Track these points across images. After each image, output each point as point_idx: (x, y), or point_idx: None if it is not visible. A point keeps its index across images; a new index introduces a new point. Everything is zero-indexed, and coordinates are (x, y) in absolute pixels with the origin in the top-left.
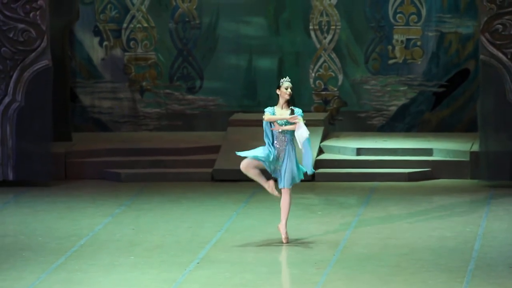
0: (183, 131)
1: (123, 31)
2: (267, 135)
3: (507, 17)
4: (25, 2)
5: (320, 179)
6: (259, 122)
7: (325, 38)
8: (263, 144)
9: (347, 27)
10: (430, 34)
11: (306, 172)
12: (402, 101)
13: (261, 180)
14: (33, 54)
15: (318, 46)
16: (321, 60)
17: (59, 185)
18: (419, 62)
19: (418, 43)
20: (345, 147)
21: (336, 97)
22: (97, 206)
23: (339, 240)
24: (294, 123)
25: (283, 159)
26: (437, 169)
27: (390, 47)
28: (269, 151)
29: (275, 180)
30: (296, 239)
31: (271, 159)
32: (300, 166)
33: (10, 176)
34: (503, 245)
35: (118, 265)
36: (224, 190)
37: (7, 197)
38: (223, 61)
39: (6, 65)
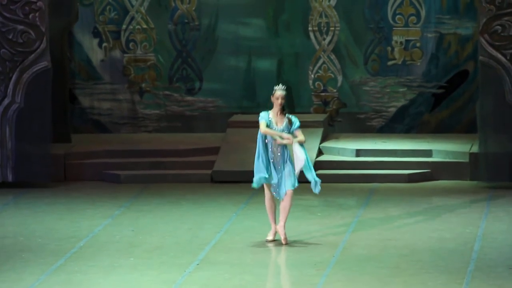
0: (183, 132)
1: (122, 33)
2: (261, 149)
3: (506, 18)
4: (24, 3)
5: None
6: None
7: (324, 39)
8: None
9: (346, 28)
10: (429, 35)
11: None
12: (401, 102)
13: (272, 218)
14: (33, 55)
15: (317, 47)
16: (320, 61)
17: (58, 186)
18: (419, 63)
19: (417, 44)
20: (345, 149)
21: (335, 99)
22: (96, 207)
23: (338, 242)
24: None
25: (281, 165)
26: (437, 170)
27: (389, 48)
28: (267, 169)
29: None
30: (296, 241)
31: (272, 178)
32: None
33: (10, 178)
34: (502, 246)
35: (117, 267)
36: (223, 191)
37: (6, 199)
38: (223, 62)
39: (5, 66)
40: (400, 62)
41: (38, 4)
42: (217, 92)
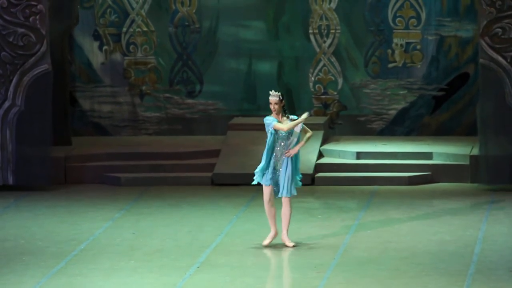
0: (183, 135)
1: (122, 35)
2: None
3: (506, 20)
4: (25, 6)
5: (320, 183)
6: (259, 126)
7: (324, 42)
8: (262, 148)
9: (346, 31)
10: (429, 37)
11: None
12: (401, 105)
13: (272, 223)
14: (33, 58)
15: (317, 50)
16: (321, 64)
17: (59, 189)
18: (419, 66)
19: (418, 46)
20: (345, 151)
21: (335, 101)
22: (97, 210)
23: (339, 244)
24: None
25: (281, 168)
26: (437, 173)
27: (389, 51)
28: (269, 170)
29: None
30: (296, 243)
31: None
32: (297, 176)
33: (10, 180)
34: (503, 249)
35: (118, 269)
36: (224, 194)
37: (7, 202)
38: (223, 65)
39: (6, 69)
40: (400, 65)
41: (38, 7)
42: (218, 95)
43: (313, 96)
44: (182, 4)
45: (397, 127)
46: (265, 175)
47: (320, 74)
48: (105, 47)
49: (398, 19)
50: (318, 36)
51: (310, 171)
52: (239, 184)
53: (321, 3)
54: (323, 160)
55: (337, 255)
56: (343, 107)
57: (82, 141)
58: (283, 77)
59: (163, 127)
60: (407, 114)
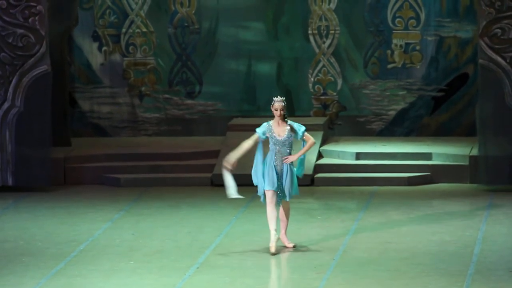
0: (183, 136)
1: (122, 36)
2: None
3: (506, 21)
4: (24, 7)
5: (320, 184)
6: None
7: (324, 42)
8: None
9: (346, 32)
10: (429, 38)
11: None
12: (401, 106)
13: (272, 225)
14: (32, 59)
15: (317, 50)
16: (320, 65)
17: (58, 190)
18: (418, 67)
19: (417, 47)
20: (345, 152)
21: (335, 102)
22: (96, 211)
23: (338, 245)
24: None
25: (283, 174)
26: (437, 174)
27: (389, 52)
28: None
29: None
30: (296, 244)
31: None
32: (296, 180)
33: (10, 182)
34: (503, 249)
35: (118, 270)
36: (223, 195)
37: (6, 203)
38: (223, 66)
39: (5, 70)
40: (400, 65)
41: (38, 8)
42: (217, 96)
43: (312, 96)
44: (182, 5)
45: (396, 128)
46: (267, 180)
47: (320, 74)
48: (104, 48)
49: (398, 19)
50: (317, 37)
51: (310, 172)
52: (238, 185)
53: (321, 4)
54: (322, 161)
55: (337, 255)
56: (342, 107)
57: (81, 142)
58: (283, 78)
59: (163, 128)
60: (407, 114)
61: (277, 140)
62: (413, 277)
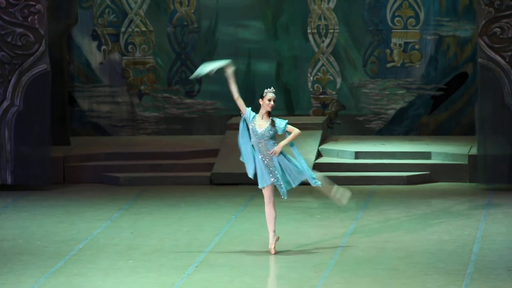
0: (182, 135)
1: (121, 35)
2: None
3: (505, 20)
4: (23, 6)
5: None
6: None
7: (323, 41)
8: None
9: (345, 31)
10: (428, 37)
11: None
12: (400, 105)
13: (271, 226)
14: (32, 58)
15: (316, 49)
16: (319, 64)
17: (57, 189)
18: (417, 66)
19: (416, 46)
20: (344, 151)
21: (334, 101)
22: (95, 210)
23: (337, 244)
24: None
25: (275, 167)
26: (436, 173)
27: (388, 51)
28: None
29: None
30: (295, 243)
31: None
32: (297, 166)
33: (9, 180)
34: (501, 248)
35: (117, 269)
36: (222, 193)
37: (5, 201)
38: None
39: (4, 69)
40: (399, 65)
41: (37, 7)
42: (216, 95)
43: (311, 95)
44: (181, 4)
45: (395, 127)
46: (260, 179)
47: (319, 74)
48: (103, 47)
49: (397, 19)
50: (316, 36)
51: None
52: (237, 184)
53: (320, 3)
54: (321, 160)
55: (336, 254)
56: (341, 106)
57: (80, 141)
58: (282, 77)
59: (162, 127)
60: (406, 113)
61: (257, 132)
62: (411, 276)
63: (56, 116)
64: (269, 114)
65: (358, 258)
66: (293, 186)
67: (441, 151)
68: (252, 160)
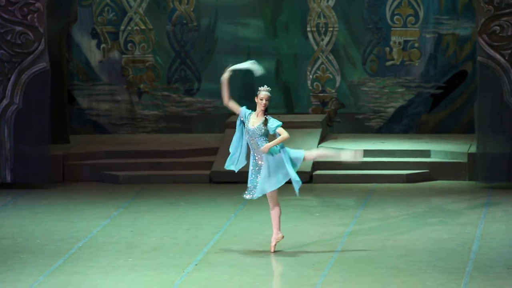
0: (181, 133)
1: (120, 34)
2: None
3: (504, 18)
4: (22, 4)
5: (318, 181)
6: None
7: (322, 40)
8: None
9: (344, 29)
10: (427, 35)
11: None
12: (399, 103)
13: (273, 223)
14: (31, 56)
15: (315, 48)
16: (319, 62)
17: (57, 187)
18: (417, 64)
19: (416, 44)
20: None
21: (333, 99)
22: (95, 208)
23: (337, 242)
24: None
25: (263, 167)
26: (435, 171)
27: (387, 49)
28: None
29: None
30: (294, 241)
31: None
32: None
33: (8, 178)
34: (501, 247)
35: (116, 267)
36: (222, 192)
37: (5, 200)
38: (221, 63)
39: (4, 67)
40: (398, 63)
41: (36, 5)
42: (216, 93)
43: (311, 94)
44: (180, 2)
45: (395, 125)
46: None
47: (318, 72)
48: (103, 45)
49: (396, 17)
50: (316, 34)
51: (308, 169)
52: (237, 182)
53: (319, 1)
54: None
55: (335, 253)
56: (341, 105)
57: (80, 139)
58: (281, 75)
59: (161, 125)
60: (405, 112)
61: (249, 129)
62: (411, 274)
63: (55, 114)
64: (265, 112)
65: (358, 257)
66: (257, 195)
67: (440, 149)
68: (237, 154)
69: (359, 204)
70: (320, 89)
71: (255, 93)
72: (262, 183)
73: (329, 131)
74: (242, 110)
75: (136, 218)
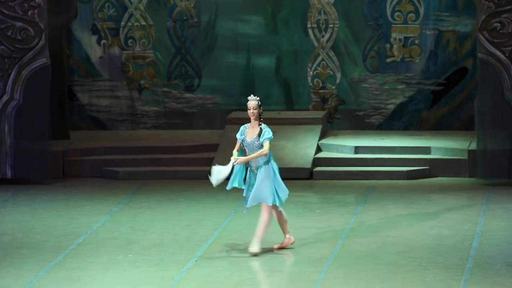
0: (181, 129)
1: (121, 30)
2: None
3: (505, 15)
4: (23, 0)
5: (318, 177)
6: None
7: (323, 36)
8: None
9: (345, 26)
10: (428, 32)
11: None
12: (400, 100)
13: (284, 227)
14: (31, 52)
15: (316, 44)
16: (319, 59)
17: (57, 183)
18: (417, 61)
19: (416, 41)
20: (343, 146)
21: (334, 96)
22: (95, 204)
23: (337, 238)
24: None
25: (258, 177)
26: (435, 168)
27: (388, 46)
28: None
29: None
30: (294, 237)
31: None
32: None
33: (8, 174)
34: (501, 243)
35: (116, 263)
36: (222, 188)
37: (5, 195)
38: (221, 59)
39: (4, 63)
40: (399, 59)
41: (37, 1)
42: (216, 89)
43: (311, 90)
44: None
45: (395, 122)
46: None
47: (319, 68)
48: (103, 41)
49: (397, 13)
50: (316, 31)
51: (308, 166)
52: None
53: None
54: (321, 155)
55: (335, 249)
56: (341, 101)
57: (80, 135)
58: (282, 71)
59: (162, 121)
60: (406, 108)
61: (247, 143)
62: (411, 271)
63: (55, 110)
64: (260, 121)
65: (358, 253)
66: (246, 206)
67: (440, 146)
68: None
69: (359, 200)
70: (321, 85)
71: (255, 90)
72: (253, 193)
73: (330, 128)
74: (239, 132)
75: (136, 214)
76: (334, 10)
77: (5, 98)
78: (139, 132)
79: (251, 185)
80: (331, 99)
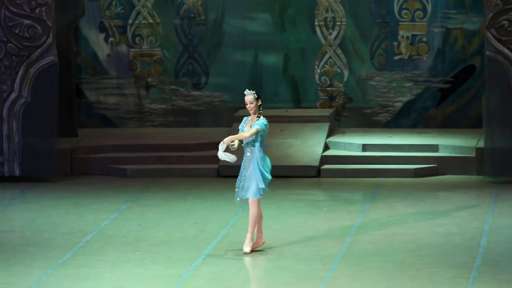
0: (189, 127)
1: (128, 27)
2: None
3: None
4: None
5: (326, 175)
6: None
7: (330, 34)
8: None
9: (352, 23)
10: (435, 30)
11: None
12: (407, 97)
13: (259, 227)
14: (39, 50)
15: (323, 42)
16: (327, 56)
17: (65, 181)
18: (425, 58)
19: (424, 39)
20: (351, 143)
21: (341, 93)
22: (103, 202)
23: (345, 236)
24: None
25: (248, 169)
26: (443, 165)
27: (395, 43)
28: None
29: None
30: (302, 235)
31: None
32: (265, 175)
33: (17, 172)
34: (509, 241)
35: (124, 261)
36: (229, 185)
37: (13, 193)
38: (229, 57)
39: (12, 61)
40: (406, 57)
41: None
42: (223, 87)
43: (319, 88)
44: None
45: (403, 120)
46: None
47: (326, 66)
48: (110, 39)
49: (404, 11)
50: (324, 29)
51: (316, 163)
52: None
53: None
54: (329, 152)
55: (343, 247)
56: (349, 99)
57: (88, 132)
58: (289, 69)
59: (169, 119)
60: (413, 106)
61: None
62: (419, 269)
63: (63, 108)
64: (258, 115)
65: (366, 251)
66: (239, 197)
67: (448, 144)
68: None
69: (366, 198)
70: (328, 83)
71: (262, 88)
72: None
73: (337, 126)
74: (240, 123)
75: (144, 212)
76: (342, 7)
77: (13, 95)
78: (146, 130)
79: (242, 177)
80: (339, 97)
